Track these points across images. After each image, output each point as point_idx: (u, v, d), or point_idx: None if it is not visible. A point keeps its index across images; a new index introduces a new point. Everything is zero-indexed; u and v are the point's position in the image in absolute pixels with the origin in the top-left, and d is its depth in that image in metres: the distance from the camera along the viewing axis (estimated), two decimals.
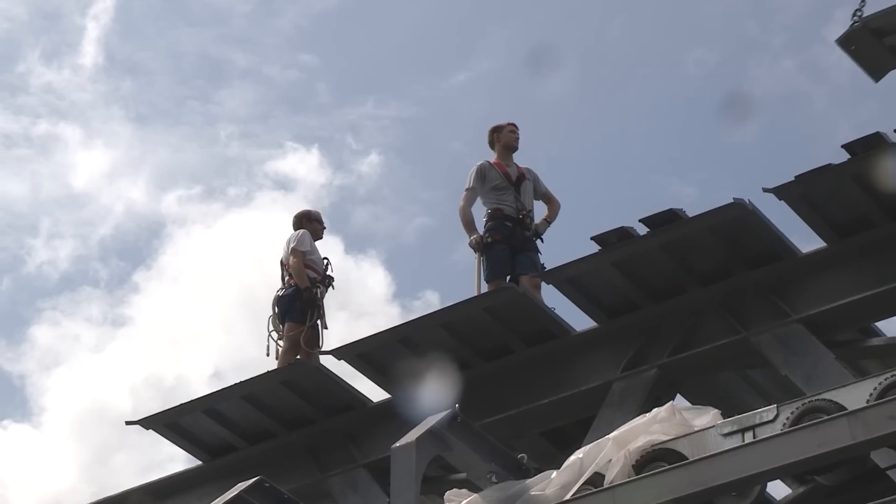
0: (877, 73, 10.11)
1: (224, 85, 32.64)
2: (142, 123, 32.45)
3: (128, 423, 12.40)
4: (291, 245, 13.04)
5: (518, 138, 12.71)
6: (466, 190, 12.47)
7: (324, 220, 13.52)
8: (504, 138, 12.65)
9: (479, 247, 12.16)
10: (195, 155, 31.87)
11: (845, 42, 9.84)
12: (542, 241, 12.38)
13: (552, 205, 12.61)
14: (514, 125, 12.77)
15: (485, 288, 12.02)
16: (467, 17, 31.09)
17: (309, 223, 13.37)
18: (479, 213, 12.48)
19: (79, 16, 32.57)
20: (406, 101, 32.06)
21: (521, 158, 12.79)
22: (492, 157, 12.67)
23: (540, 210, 12.62)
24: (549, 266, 11.74)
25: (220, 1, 32.48)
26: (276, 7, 32.47)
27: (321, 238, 13.44)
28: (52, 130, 30.99)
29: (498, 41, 29.90)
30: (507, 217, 12.25)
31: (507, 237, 12.16)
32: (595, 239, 10.75)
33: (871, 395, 7.86)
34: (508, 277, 12.03)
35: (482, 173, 12.44)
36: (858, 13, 9.88)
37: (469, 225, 12.37)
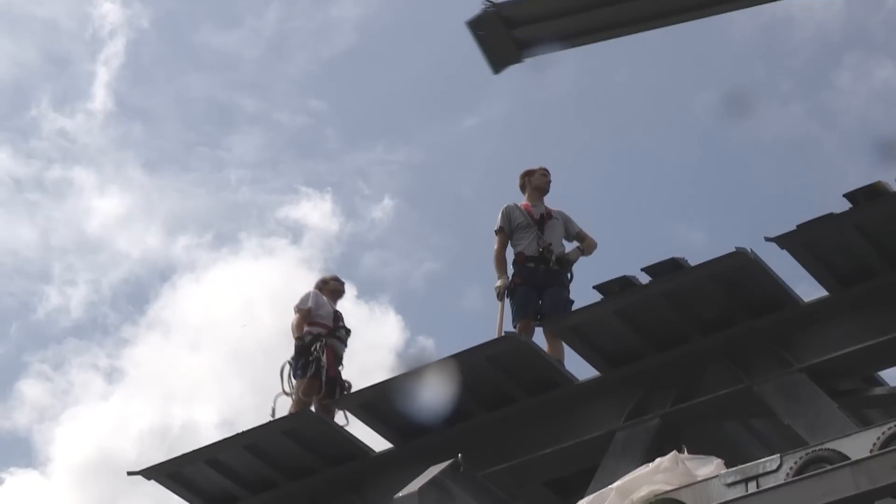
0: (498, 65, 9.41)
1: (233, 130, 32.74)
2: (151, 169, 32.54)
3: (129, 473, 12.35)
4: (294, 304, 13.22)
5: (549, 181, 12.88)
6: (496, 232, 12.63)
7: (339, 277, 13.71)
8: (536, 181, 12.82)
9: (501, 295, 12.29)
10: (204, 201, 31.92)
11: (474, 25, 9.14)
12: (572, 273, 12.41)
13: (587, 241, 12.71)
14: (545, 169, 12.94)
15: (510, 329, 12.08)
16: (476, 61, 31.06)
17: (325, 285, 13.51)
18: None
19: (89, 62, 32.68)
20: (415, 146, 32.10)
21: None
22: (521, 199, 12.77)
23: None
24: (576, 298, 11.85)
25: (229, 46, 32.59)
26: (285, 53, 32.53)
27: (343, 293, 13.58)
28: (66, 175, 31.05)
29: (506, 86, 29.96)
30: (528, 258, 12.37)
31: (529, 278, 12.26)
32: (598, 288, 10.78)
33: (874, 444, 7.85)
34: (539, 316, 12.10)
35: (507, 213, 12.64)
36: None
37: (499, 268, 12.53)
